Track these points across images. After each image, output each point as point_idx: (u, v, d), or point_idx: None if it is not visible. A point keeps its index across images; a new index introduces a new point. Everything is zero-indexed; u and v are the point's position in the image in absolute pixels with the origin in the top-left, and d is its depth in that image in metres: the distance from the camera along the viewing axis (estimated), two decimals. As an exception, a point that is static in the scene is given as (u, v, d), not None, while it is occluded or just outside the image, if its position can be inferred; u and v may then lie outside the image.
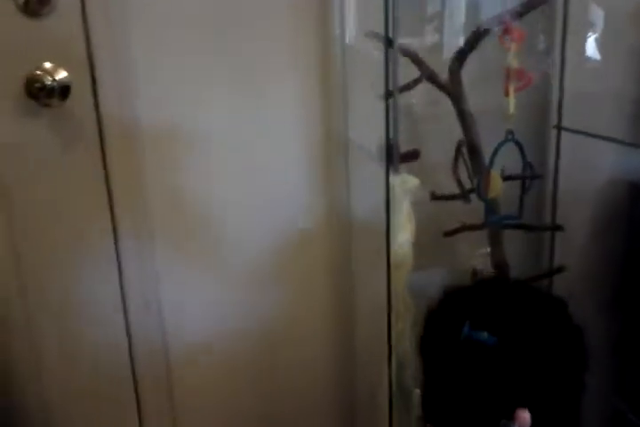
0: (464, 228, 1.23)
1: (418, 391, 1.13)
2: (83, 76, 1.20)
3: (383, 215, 1.27)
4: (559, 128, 1.34)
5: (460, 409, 0.81)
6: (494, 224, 1.17)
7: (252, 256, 1.37)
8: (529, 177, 1.16)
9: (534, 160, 1.23)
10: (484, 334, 0.77)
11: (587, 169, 1.39)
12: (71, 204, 1.26)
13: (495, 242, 1.24)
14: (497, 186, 1.13)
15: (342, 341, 1.45)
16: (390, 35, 1.01)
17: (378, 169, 1.23)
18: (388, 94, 1.01)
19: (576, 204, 1.38)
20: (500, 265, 1.26)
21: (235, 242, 1.36)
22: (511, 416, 0.78)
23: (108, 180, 1.27)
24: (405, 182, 1.00)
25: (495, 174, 1.13)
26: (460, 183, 1.14)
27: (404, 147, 1.10)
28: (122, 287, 1.30)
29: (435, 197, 1.23)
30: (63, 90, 1.20)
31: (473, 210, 1.22)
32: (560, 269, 1.28)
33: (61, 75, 1.20)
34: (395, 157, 1.01)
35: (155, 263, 1.33)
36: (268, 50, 1.26)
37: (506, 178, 1.15)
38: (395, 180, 1.00)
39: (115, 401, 1.39)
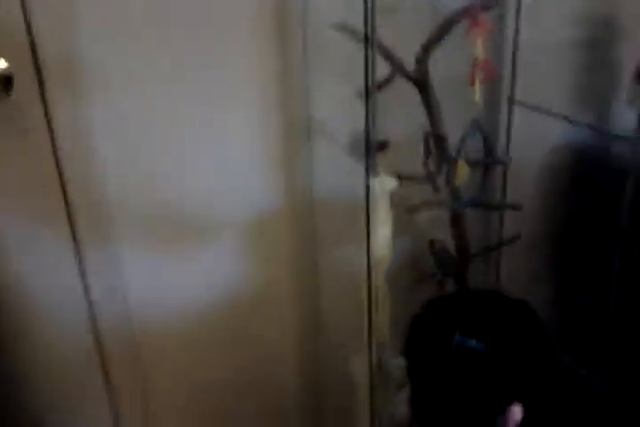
0: (426, 204, 1.28)
1: (398, 361, 1.22)
2: (25, 66, 1.12)
3: (347, 196, 1.30)
4: (511, 101, 1.38)
5: (453, 409, 0.88)
6: (461, 207, 1.22)
7: (214, 233, 1.37)
8: (493, 163, 1.21)
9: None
10: (473, 342, 0.83)
11: (534, 138, 1.45)
12: (22, 190, 1.21)
13: (456, 219, 1.29)
14: (463, 173, 1.17)
15: (308, 314, 1.50)
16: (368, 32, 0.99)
17: (345, 157, 1.24)
18: (367, 93, 1.00)
19: (524, 174, 1.45)
20: (461, 239, 1.33)
21: (197, 220, 1.34)
22: (502, 412, 0.86)
23: (60, 165, 1.21)
24: (384, 183, 1.02)
25: (462, 163, 1.16)
26: (431, 175, 1.17)
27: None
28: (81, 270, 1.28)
29: (401, 177, 1.25)
30: (6, 81, 1.11)
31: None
32: (515, 238, 1.36)
33: (1, 65, 1.11)
34: (372, 156, 1.02)
35: (115, 245, 1.31)
36: (226, 33, 1.21)
37: (471, 164, 1.19)
38: (374, 181, 1.02)
39: (84, 383, 1.40)
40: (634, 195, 1.28)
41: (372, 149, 1.01)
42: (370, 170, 1.02)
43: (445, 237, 1.37)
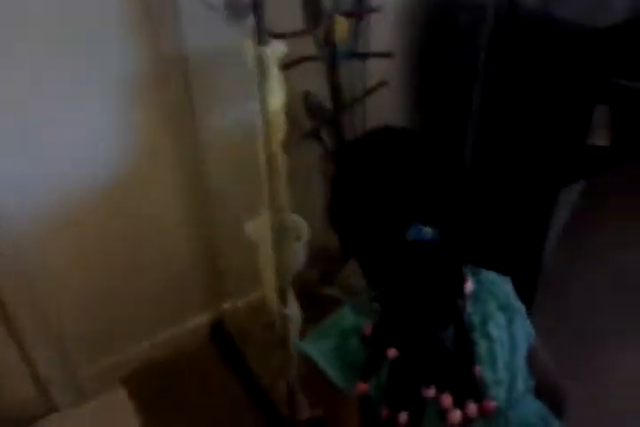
0: (302, 60, 1.25)
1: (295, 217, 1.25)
2: None
3: (222, 59, 1.23)
4: None
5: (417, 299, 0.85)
6: (339, 61, 1.21)
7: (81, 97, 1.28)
8: (366, 11, 1.19)
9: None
10: (430, 233, 0.80)
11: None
12: None
13: (333, 71, 1.29)
14: (342, 29, 1.15)
15: (192, 180, 1.47)
16: None
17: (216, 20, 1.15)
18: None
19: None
20: (336, 89, 1.34)
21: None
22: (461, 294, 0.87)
23: None
24: (275, 51, 0.97)
25: (340, 19, 1.13)
26: (312, 32, 1.13)
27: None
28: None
29: (275, 35, 1.20)
30: None
31: (309, 42, 1.24)
32: (381, 84, 1.38)
33: None
34: (262, 20, 0.96)
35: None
36: None
37: (344, 15, 1.16)
38: (265, 49, 0.96)
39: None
40: (490, 32, 1.34)
41: (260, 11, 0.94)
42: (261, 36, 0.96)
43: (317, 90, 1.37)
